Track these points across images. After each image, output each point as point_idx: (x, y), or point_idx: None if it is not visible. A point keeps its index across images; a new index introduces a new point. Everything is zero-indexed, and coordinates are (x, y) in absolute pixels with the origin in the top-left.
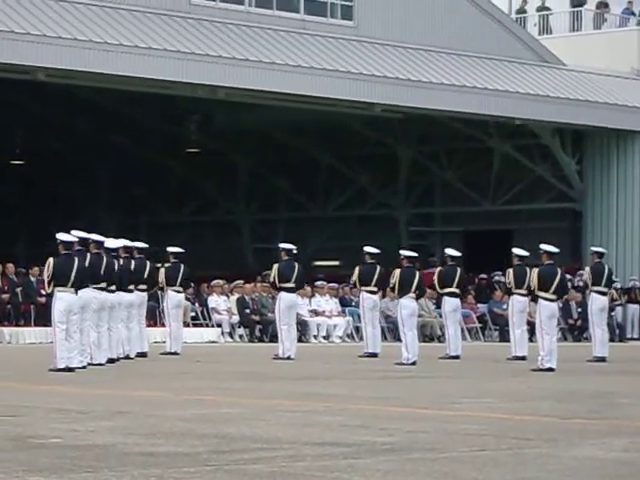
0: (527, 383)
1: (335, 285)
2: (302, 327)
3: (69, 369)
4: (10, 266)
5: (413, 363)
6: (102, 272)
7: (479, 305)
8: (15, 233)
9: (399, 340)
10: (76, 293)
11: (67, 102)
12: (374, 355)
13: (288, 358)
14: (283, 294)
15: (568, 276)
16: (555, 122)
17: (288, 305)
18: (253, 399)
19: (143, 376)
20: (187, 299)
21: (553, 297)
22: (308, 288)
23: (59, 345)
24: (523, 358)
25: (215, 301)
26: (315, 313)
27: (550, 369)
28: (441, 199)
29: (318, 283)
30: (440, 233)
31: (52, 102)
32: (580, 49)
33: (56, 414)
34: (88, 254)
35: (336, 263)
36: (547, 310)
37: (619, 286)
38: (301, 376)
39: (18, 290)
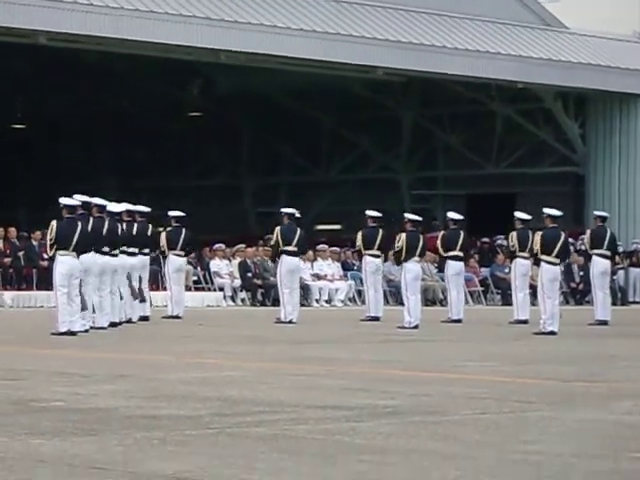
0: (529, 346)
1: (337, 249)
2: (304, 291)
3: (71, 332)
4: (12, 230)
5: (415, 327)
6: (104, 236)
7: (481, 269)
8: (16, 197)
9: (401, 304)
10: (78, 257)
11: (68, 66)
12: (376, 319)
13: (290, 322)
14: (285, 257)
15: (571, 240)
16: (558, 86)
17: (289, 269)
18: (255, 362)
19: (145, 339)
20: (189, 263)
21: (556, 260)
22: (310, 252)
23: (61, 309)
24: (525, 322)
25: (217, 265)
26: (317, 277)
27: (552, 332)
28: (444, 162)
29: (320, 247)
30: (442, 196)
31: (53, 66)
32: (582, 12)
33: (58, 378)
34: (91, 218)
35: (338, 227)
36: (549, 273)
37: (621, 250)
38: (303, 340)
39: (20, 254)
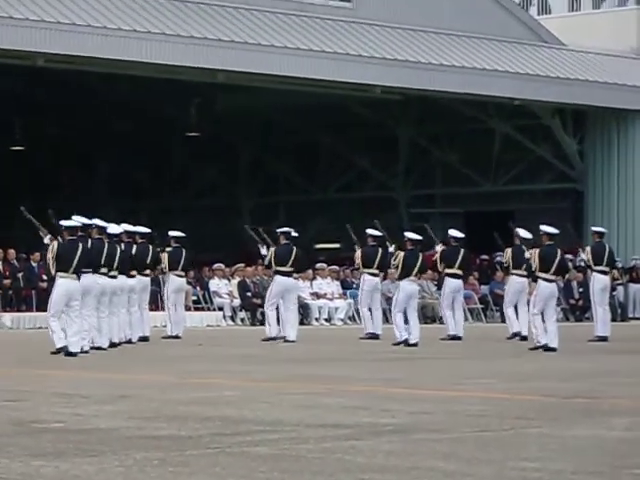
0: (529, 363)
1: (336, 268)
2: (304, 310)
3: (69, 353)
4: (11, 252)
5: (415, 344)
6: (104, 257)
7: (481, 286)
8: (15, 219)
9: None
10: (78, 279)
11: (66, 88)
12: (375, 337)
13: (274, 339)
14: (278, 277)
15: (570, 256)
16: (555, 102)
17: (281, 289)
18: (255, 382)
19: (145, 360)
20: (189, 283)
21: (553, 278)
22: (309, 271)
23: (52, 327)
24: (519, 334)
25: (216, 285)
26: (316, 296)
27: (550, 348)
28: (442, 180)
29: (319, 265)
30: (441, 214)
31: (51, 88)
32: (579, 29)
33: (58, 398)
34: (89, 240)
35: (337, 246)
36: (546, 290)
37: (620, 265)
38: (303, 358)
39: (19, 275)
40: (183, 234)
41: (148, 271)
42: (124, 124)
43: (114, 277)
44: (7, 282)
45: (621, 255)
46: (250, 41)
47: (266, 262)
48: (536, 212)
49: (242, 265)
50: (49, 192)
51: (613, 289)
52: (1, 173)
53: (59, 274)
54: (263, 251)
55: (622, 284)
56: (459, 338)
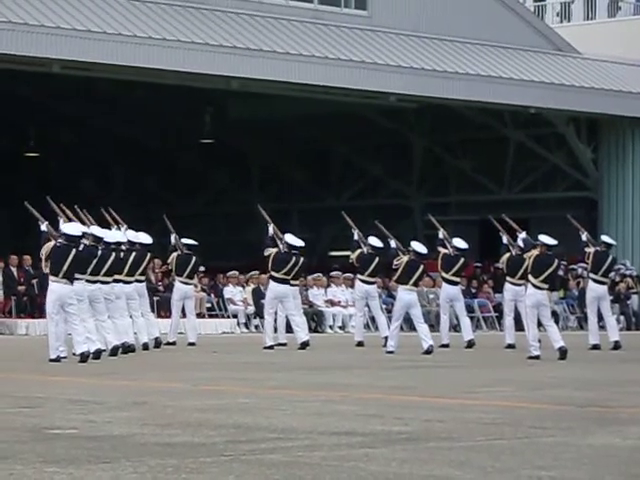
0: (543, 372)
1: (350, 275)
2: (318, 317)
3: (58, 359)
4: (27, 258)
5: (428, 352)
6: (94, 264)
7: (495, 294)
8: (29, 225)
9: (413, 329)
10: (71, 283)
11: (81, 94)
12: (360, 344)
13: (270, 347)
14: (271, 283)
15: (582, 265)
16: (570, 110)
17: (273, 295)
18: (269, 389)
19: (159, 367)
20: (203, 290)
21: (541, 285)
22: (324, 278)
23: (50, 335)
24: (512, 346)
25: (231, 292)
26: (331, 303)
27: (537, 357)
28: (456, 188)
29: (333, 273)
30: (455, 222)
31: (66, 94)
32: (595, 37)
33: (72, 405)
34: (82, 246)
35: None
36: (532, 298)
37: (635, 274)
38: (317, 366)
39: (34, 282)
40: (195, 242)
41: (143, 277)
42: (138, 131)
43: (106, 283)
44: (22, 288)
45: (635, 264)
46: (265, 48)
47: (265, 253)
48: (550, 220)
49: (256, 272)
50: (63, 198)
51: (627, 298)
52: (16, 179)
53: (51, 278)
54: (270, 231)
55: (636, 293)
56: (447, 345)
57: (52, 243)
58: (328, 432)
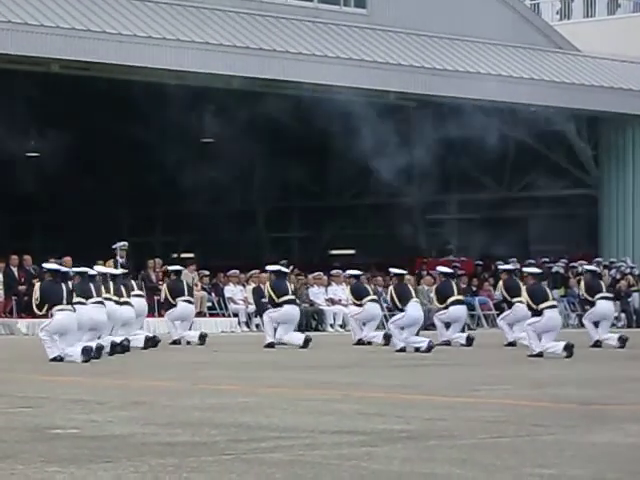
0: (544, 369)
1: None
2: (318, 316)
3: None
4: (27, 258)
5: (428, 350)
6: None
7: (496, 292)
8: (32, 226)
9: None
10: (74, 310)
11: (81, 94)
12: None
13: (271, 345)
14: (286, 307)
15: (583, 262)
16: (570, 108)
17: (285, 319)
18: (270, 388)
19: (160, 366)
20: (203, 289)
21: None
22: (324, 277)
23: (45, 340)
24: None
25: (231, 291)
26: (331, 302)
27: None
28: (457, 186)
29: (334, 272)
30: (456, 220)
31: (66, 94)
32: (594, 35)
33: (73, 405)
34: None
35: (352, 252)
36: (521, 312)
37: (637, 272)
38: (318, 365)
39: (35, 282)
40: (181, 268)
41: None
42: (138, 130)
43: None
44: (22, 288)
45: (636, 262)
46: (265, 47)
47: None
48: (551, 218)
49: (257, 271)
50: (65, 198)
51: (628, 295)
52: (17, 180)
53: (56, 308)
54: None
55: (637, 290)
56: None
57: (37, 284)
58: (329, 431)
